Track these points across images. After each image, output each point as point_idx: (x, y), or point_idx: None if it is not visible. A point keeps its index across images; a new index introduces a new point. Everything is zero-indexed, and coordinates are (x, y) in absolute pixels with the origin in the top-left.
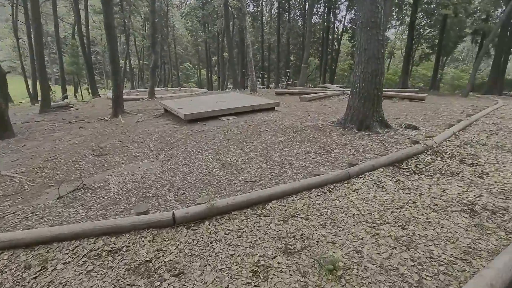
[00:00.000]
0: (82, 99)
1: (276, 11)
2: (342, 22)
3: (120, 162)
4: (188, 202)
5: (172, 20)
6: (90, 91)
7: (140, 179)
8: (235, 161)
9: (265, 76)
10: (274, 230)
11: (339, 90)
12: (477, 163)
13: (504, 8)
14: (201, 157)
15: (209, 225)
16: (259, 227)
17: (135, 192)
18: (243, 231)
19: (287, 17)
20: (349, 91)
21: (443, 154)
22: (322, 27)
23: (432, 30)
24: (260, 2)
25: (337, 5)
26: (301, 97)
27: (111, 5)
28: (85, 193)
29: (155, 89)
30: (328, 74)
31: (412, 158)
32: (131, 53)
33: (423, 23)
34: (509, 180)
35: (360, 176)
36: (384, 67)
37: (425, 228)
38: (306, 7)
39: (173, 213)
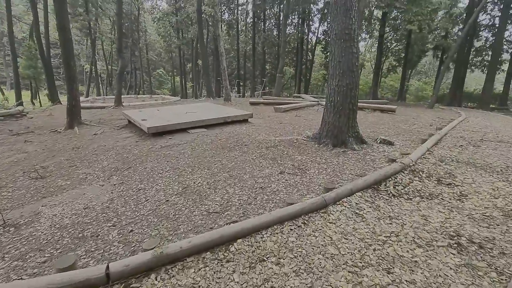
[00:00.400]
0: (41, 106)
1: (252, 20)
2: (316, 34)
3: (61, 187)
4: (134, 244)
5: (144, 24)
6: (49, 98)
7: (82, 211)
8: (199, 184)
9: (241, 84)
10: (238, 282)
11: (313, 101)
12: (454, 183)
13: (462, 26)
14: (160, 180)
15: (156, 279)
16: (219, 278)
17: (70, 230)
18: (199, 286)
19: (263, 27)
20: (324, 102)
21: (420, 173)
22: (296, 37)
23: (399, 44)
24: (236, 11)
25: (310, 17)
26: (276, 108)
27: (65, 4)
28: (4, 232)
29: (123, 96)
30: (303, 83)
31: (390, 179)
32: (99, 58)
33: (390, 38)
34: (488, 203)
35: (337, 203)
36: (358, 80)
37: (412, 271)
38: (281, 18)
39: (108, 267)
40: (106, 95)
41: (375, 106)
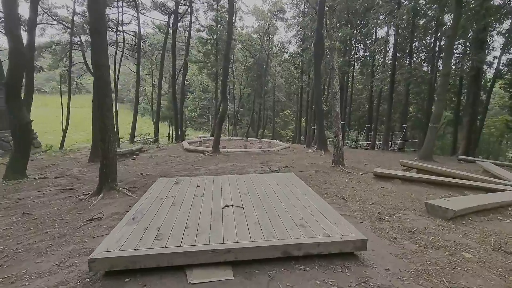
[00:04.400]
0: (171, 142)
1: (392, 55)
2: (495, 65)
3: None
4: None
5: (274, 68)
6: (174, 137)
7: None
8: None
9: (371, 130)
10: None
11: None
12: None
13: None
14: None
15: None
16: None
17: None
18: None
19: (408, 62)
20: None
21: None
22: (467, 68)
23: None
24: (372, 47)
25: (487, 44)
26: (435, 207)
27: (99, 42)
28: None
29: (235, 138)
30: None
31: None
32: (229, 100)
33: None
34: None
35: None
36: None
37: None
38: (437, 47)
39: None
40: (232, 134)
41: None
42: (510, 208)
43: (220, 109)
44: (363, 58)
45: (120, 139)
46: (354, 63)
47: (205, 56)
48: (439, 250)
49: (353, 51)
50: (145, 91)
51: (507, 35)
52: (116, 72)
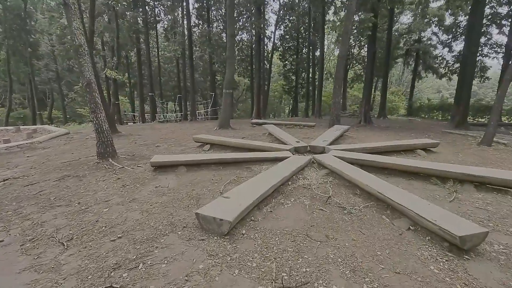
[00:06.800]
0: None
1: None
2: (272, 39)
3: None
4: None
5: (44, 23)
6: None
7: None
8: None
9: (182, 100)
10: None
11: (301, 147)
12: None
13: None
14: None
15: None
16: None
17: None
18: None
19: (207, 28)
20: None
21: None
22: (251, 40)
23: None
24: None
25: (264, 17)
26: (209, 219)
27: None
28: None
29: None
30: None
31: None
32: None
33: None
34: None
35: None
36: None
37: None
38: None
39: None
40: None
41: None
42: (289, 183)
43: None
44: (165, 23)
45: None
46: (156, 26)
47: None
48: None
49: (153, 13)
50: None
51: (277, 13)
52: None
